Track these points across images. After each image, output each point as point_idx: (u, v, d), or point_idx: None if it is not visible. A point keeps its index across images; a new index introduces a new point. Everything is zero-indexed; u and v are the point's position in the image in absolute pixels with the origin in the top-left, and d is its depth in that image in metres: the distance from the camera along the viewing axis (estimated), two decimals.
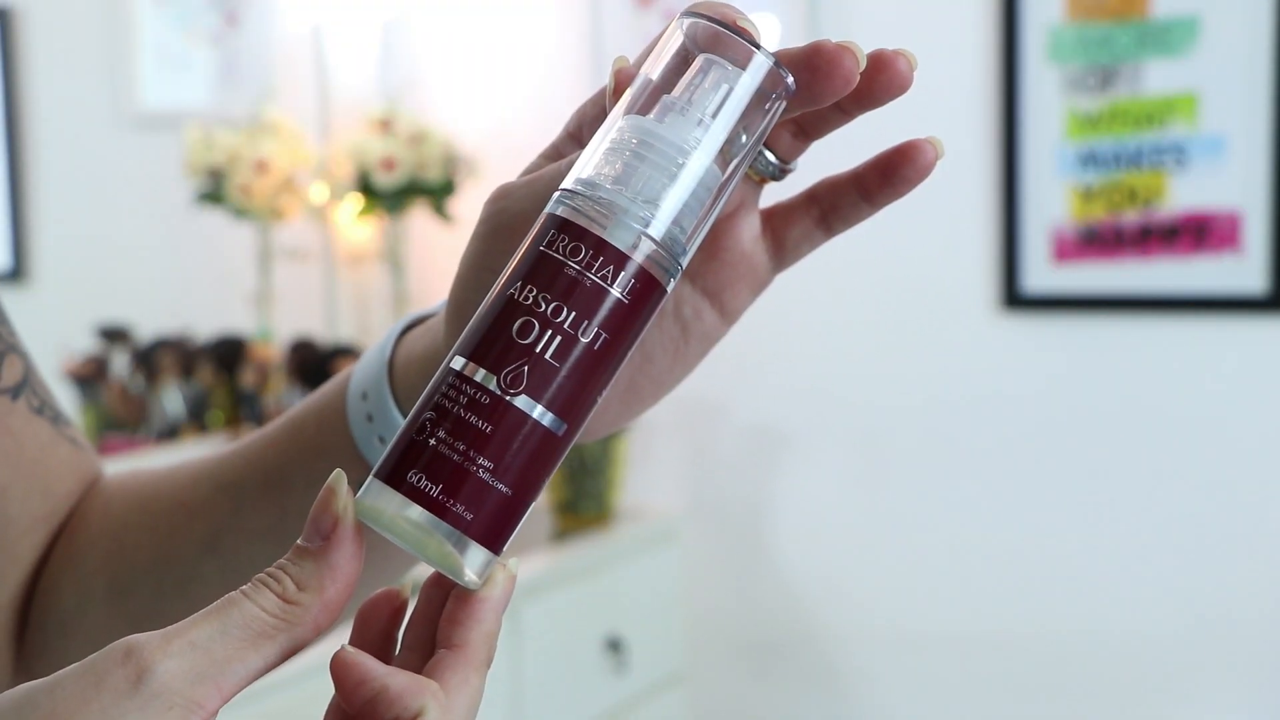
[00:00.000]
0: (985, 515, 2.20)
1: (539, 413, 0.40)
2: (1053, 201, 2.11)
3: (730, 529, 2.38)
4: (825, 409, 2.30)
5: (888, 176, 0.47)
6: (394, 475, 0.40)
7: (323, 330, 2.56)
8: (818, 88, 0.43)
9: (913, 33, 2.19)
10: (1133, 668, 2.12)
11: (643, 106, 0.43)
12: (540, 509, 2.35)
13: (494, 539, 0.40)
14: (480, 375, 0.40)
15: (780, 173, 0.49)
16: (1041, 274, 2.13)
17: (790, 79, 0.43)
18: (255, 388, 2.38)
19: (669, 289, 0.43)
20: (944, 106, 2.17)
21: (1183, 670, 2.10)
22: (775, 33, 2.27)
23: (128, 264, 2.77)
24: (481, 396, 0.40)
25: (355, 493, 0.41)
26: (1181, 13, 2.02)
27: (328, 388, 0.58)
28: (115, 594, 0.61)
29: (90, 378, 2.45)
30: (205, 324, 2.59)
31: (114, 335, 2.53)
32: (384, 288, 2.53)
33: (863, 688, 2.30)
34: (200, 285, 2.70)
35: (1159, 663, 2.11)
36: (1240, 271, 2.02)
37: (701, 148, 0.42)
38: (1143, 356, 2.10)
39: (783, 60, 0.43)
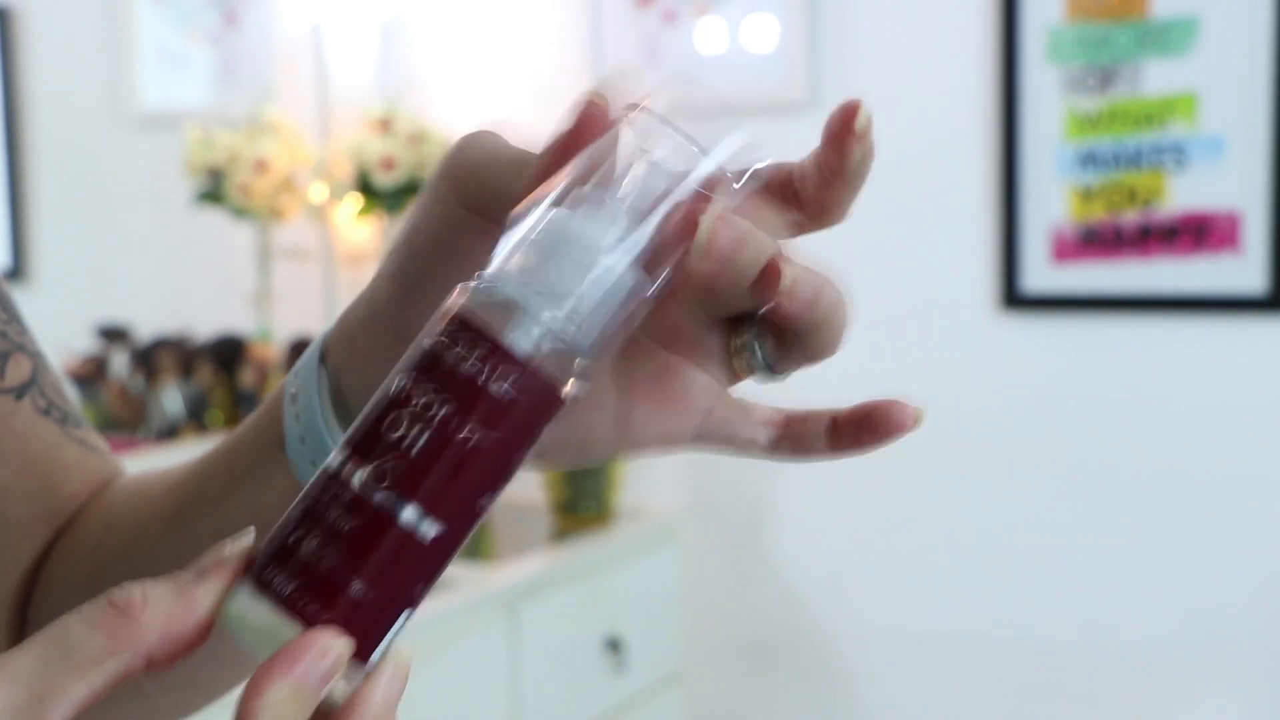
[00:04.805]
0: (984, 515, 2.20)
1: (408, 513, 0.37)
2: (1052, 201, 2.11)
3: (730, 529, 2.38)
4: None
5: (863, 429, 0.47)
6: (260, 580, 0.38)
7: (322, 330, 2.56)
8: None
9: (913, 33, 2.19)
10: (1131, 668, 2.12)
11: (572, 199, 0.40)
12: (540, 509, 2.35)
13: (362, 649, 0.37)
14: (349, 471, 0.37)
15: (768, 374, 0.45)
16: (1041, 274, 2.13)
17: (735, 184, 0.40)
18: (255, 387, 2.38)
19: (565, 396, 0.39)
20: (944, 107, 2.17)
21: (1181, 670, 2.10)
22: (774, 35, 2.26)
23: (127, 264, 2.77)
24: (344, 494, 0.37)
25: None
26: (1181, 13, 2.02)
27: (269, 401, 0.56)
28: (96, 586, 0.61)
29: (90, 377, 2.45)
30: (205, 324, 2.59)
31: (113, 335, 2.52)
32: None
33: (862, 688, 2.30)
34: (200, 285, 2.70)
35: (1157, 663, 2.11)
36: (1239, 271, 2.02)
37: (621, 248, 0.39)
38: (1142, 356, 2.10)
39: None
